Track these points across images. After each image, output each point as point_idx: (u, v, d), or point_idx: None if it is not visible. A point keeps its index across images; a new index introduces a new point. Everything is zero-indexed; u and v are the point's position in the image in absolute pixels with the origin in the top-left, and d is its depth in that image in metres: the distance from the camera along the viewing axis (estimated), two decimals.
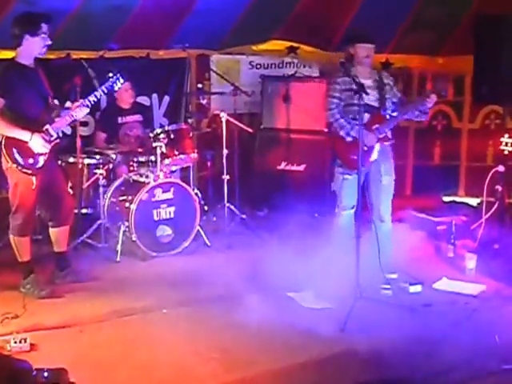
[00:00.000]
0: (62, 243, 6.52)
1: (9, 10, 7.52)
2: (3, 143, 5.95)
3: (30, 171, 5.96)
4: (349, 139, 6.48)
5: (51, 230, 6.46)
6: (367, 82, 6.42)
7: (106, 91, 6.46)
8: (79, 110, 6.21)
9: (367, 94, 6.26)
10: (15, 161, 5.93)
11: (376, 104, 6.48)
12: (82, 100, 6.28)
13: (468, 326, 5.53)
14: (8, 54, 7.47)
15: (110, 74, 6.47)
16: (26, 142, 5.90)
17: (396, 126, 6.61)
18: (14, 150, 5.92)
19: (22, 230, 6.15)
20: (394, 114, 6.55)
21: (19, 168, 5.93)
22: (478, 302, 6.10)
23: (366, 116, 6.46)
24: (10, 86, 5.92)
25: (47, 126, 6.02)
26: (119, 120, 8.38)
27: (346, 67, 6.50)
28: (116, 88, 6.56)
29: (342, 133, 6.51)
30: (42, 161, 6.00)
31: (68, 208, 6.49)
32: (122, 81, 6.46)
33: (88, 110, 6.34)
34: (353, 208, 6.64)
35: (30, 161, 5.95)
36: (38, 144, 5.93)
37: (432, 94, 6.48)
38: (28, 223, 6.18)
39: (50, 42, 6.05)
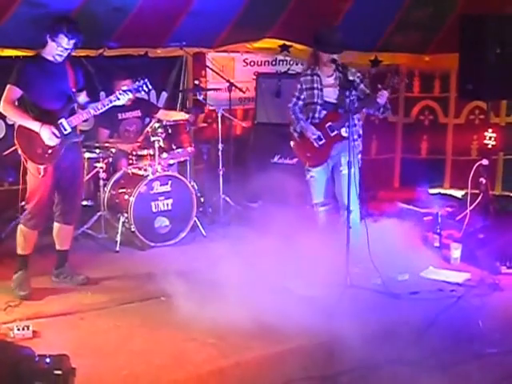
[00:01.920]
0: (62, 241, 6.35)
1: (12, 10, 7.48)
2: (16, 131, 5.91)
3: (37, 160, 5.87)
4: (295, 135, 6.57)
5: (55, 225, 6.29)
6: (329, 80, 6.44)
7: (130, 95, 6.29)
8: (101, 105, 6.09)
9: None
10: (24, 149, 5.88)
11: (334, 101, 6.47)
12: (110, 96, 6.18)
13: (453, 312, 5.55)
14: (11, 52, 7.50)
15: (138, 78, 6.32)
16: (38, 133, 5.81)
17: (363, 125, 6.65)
18: (25, 139, 5.86)
19: (30, 222, 6.00)
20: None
21: (27, 156, 5.88)
22: (463, 290, 6.11)
23: (324, 113, 6.50)
24: (27, 77, 5.84)
25: (61, 120, 5.93)
26: (119, 116, 8.34)
27: (311, 66, 6.62)
28: (142, 92, 6.47)
29: (290, 129, 6.59)
30: (52, 152, 5.89)
31: (73, 207, 6.30)
32: (150, 87, 6.33)
33: (122, 102, 6.23)
34: (326, 205, 6.67)
35: (39, 150, 5.86)
36: (45, 136, 5.82)
37: (383, 90, 6.44)
38: (37, 216, 6.00)
39: (60, 53, 5.89)
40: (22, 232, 6.08)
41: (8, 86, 5.85)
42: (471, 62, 7.61)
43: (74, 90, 6.12)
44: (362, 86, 6.62)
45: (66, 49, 5.92)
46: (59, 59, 5.96)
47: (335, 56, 6.44)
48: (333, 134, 6.47)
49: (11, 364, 3.91)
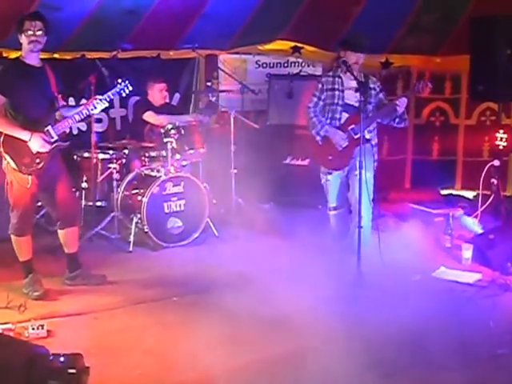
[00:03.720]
0: (70, 244, 6.27)
1: None
2: (1, 141, 5.75)
3: (25, 170, 5.75)
4: (318, 138, 6.50)
5: (59, 232, 6.22)
6: (351, 83, 6.40)
7: (112, 97, 6.15)
8: (86, 110, 5.96)
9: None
10: (11, 159, 5.74)
11: (356, 104, 6.43)
12: (90, 100, 6.08)
13: (464, 313, 5.53)
14: None
15: (119, 80, 6.21)
16: (26, 142, 5.69)
17: (377, 128, 6.60)
18: (12, 148, 5.73)
19: (19, 230, 5.95)
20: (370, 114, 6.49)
21: (15, 167, 5.74)
22: (474, 290, 6.10)
23: (345, 115, 6.47)
24: (9, 83, 5.74)
25: (48, 127, 5.80)
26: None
27: (334, 68, 6.60)
28: (124, 95, 6.31)
29: (312, 132, 6.55)
30: (39, 161, 5.77)
31: (72, 209, 6.24)
32: (130, 88, 6.20)
33: (98, 111, 6.12)
34: (340, 208, 6.64)
35: (27, 160, 5.74)
36: (37, 144, 5.70)
37: (402, 97, 6.42)
38: (24, 223, 5.95)
39: (33, 39, 5.73)
40: (14, 241, 6.01)
41: None
42: (482, 64, 7.62)
43: (56, 94, 6.02)
44: (380, 95, 6.60)
45: (36, 33, 5.74)
46: (34, 48, 5.79)
47: (362, 56, 6.42)
48: (356, 137, 6.41)
49: (26, 362, 3.93)
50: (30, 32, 5.76)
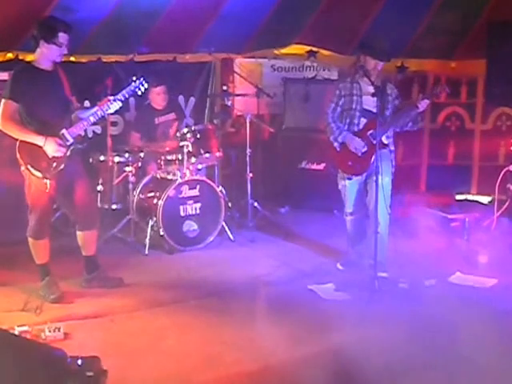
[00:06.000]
0: (88, 247, 6.28)
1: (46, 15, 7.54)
2: (18, 146, 5.73)
3: (43, 175, 5.74)
4: (335, 144, 6.48)
5: (77, 233, 6.23)
6: (369, 89, 6.37)
7: (127, 96, 6.09)
8: (101, 111, 5.93)
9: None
10: (29, 164, 5.73)
11: (374, 110, 6.42)
12: (104, 101, 6.00)
13: (480, 318, 5.51)
14: None
15: (134, 78, 6.17)
16: (41, 146, 5.68)
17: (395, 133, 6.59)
18: (28, 154, 5.71)
19: (37, 232, 5.96)
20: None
21: (32, 171, 5.73)
22: (490, 295, 6.07)
23: (363, 121, 6.45)
24: (22, 89, 5.69)
25: (63, 131, 5.78)
26: (156, 121, 8.37)
27: (351, 72, 6.55)
28: (139, 93, 6.22)
29: (330, 138, 6.52)
30: (56, 165, 5.77)
31: (91, 212, 6.23)
32: (146, 85, 6.18)
33: (112, 110, 6.05)
34: (355, 214, 6.63)
35: (44, 164, 5.73)
36: (51, 148, 5.69)
37: (423, 99, 6.38)
38: (42, 225, 5.96)
39: (66, 52, 5.81)
40: (32, 244, 6.01)
41: (3, 101, 5.68)
42: (498, 68, 7.61)
43: (70, 97, 6.00)
44: (396, 102, 6.57)
45: (67, 47, 5.80)
46: (60, 59, 5.83)
47: (381, 63, 6.39)
48: (375, 142, 6.39)
49: (44, 365, 3.94)
50: (64, 47, 5.78)
